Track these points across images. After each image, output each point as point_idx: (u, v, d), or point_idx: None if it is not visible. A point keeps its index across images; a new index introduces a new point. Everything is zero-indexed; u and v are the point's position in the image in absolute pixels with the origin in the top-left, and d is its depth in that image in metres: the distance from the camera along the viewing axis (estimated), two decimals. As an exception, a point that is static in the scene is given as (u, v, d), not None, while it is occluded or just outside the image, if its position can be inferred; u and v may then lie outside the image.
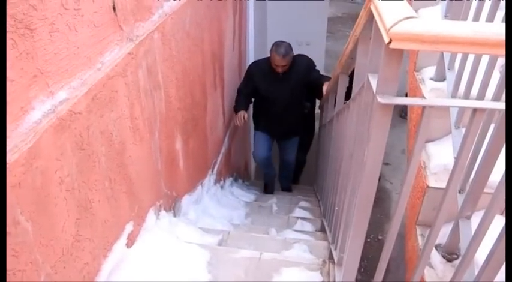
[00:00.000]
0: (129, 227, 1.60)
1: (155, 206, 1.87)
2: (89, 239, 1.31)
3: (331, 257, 1.78)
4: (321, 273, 1.69)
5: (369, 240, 3.64)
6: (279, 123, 3.46)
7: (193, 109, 2.40)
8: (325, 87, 3.01)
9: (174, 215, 2.07)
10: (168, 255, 1.67)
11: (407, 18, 0.80)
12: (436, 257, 1.45)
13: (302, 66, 3.26)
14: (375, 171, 0.97)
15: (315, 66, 3.38)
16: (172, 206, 2.10)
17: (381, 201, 4.01)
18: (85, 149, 1.25)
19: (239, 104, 3.31)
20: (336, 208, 1.70)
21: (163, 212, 1.93)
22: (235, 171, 3.75)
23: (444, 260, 1.43)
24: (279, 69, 3.15)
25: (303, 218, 2.80)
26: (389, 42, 0.80)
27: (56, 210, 1.12)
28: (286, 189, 4.21)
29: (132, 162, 1.60)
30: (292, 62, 3.16)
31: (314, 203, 3.38)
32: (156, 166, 1.87)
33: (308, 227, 2.65)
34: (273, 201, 3.31)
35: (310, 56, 3.39)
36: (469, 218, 1.35)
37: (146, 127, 1.71)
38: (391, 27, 0.79)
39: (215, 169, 2.98)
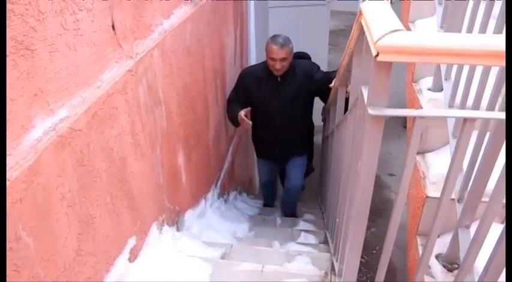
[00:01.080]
0: (131, 242, 1.62)
1: (158, 220, 1.88)
2: (91, 254, 1.32)
3: (333, 268, 1.78)
4: (323, 285, 1.69)
5: (374, 252, 3.61)
6: (280, 140, 2.97)
7: (195, 124, 2.43)
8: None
9: (178, 229, 2.08)
10: (170, 269, 1.68)
11: (394, 31, 0.82)
12: (436, 266, 1.45)
13: (302, 70, 2.79)
14: (369, 182, 0.98)
15: (317, 67, 2.92)
16: (175, 220, 2.11)
17: (387, 213, 3.99)
18: (86, 165, 1.28)
19: (233, 109, 2.77)
20: (337, 220, 1.71)
21: (166, 227, 1.94)
22: (240, 185, 3.76)
23: (445, 270, 1.43)
24: (277, 67, 2.63)
25: (306, 231, 2.80)
26: (377, 55, 0.82)
27: (57, 226, 1.14)
28: (290, 215, 3.65)
29: (134, 178, 1.62)
30: (292, 66, 2.74)
31: (318, 215, 3.38)
32: (158, 181, 1.89)
33: (312, 239, 2.65)
34: (276, 215, 3.32)
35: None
36: (468, 227, 1.35)
37: (147, 143, 1.74)
38: (378, 40, 0.81)
39: (218, 183, 3.00)
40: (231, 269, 1.76)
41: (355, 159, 1.16)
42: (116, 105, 1.47)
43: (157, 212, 1.89)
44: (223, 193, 3.08)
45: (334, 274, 1.72)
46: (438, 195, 1.47)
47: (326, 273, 1.75)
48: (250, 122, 2.62)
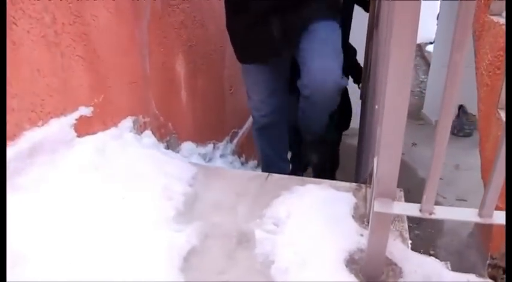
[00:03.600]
0: (84, 111, 1.17)
1: (136, 117, 1.43)
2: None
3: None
4: (354, 195, 1.16)
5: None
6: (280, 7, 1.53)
7: (205, 42, 2.01)
8: None
9: (167, 148, 1.61)
10: (135, 161, 1.20)
11: None
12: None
13: None
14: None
15: None
16: (166, 138, 1.65)
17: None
18: None
19: None
20: (376, 106, 1.20)
21: (148, 132, 1.49)
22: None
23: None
24: None
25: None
26: None
27: None
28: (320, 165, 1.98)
29: (98, 28, 1.20)
30: None
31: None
32: (143, 66, 1.46)
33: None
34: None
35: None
36: None
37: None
38: None
39: (235, 140, 2.51)
40: (222, 173, 1.27)
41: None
42: None
43: (136, 106, 1.45)
44: (240, 154, 2.57)
45: (369, 187, 1.19)
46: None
47: (359, 185, 1.22)
48: None
